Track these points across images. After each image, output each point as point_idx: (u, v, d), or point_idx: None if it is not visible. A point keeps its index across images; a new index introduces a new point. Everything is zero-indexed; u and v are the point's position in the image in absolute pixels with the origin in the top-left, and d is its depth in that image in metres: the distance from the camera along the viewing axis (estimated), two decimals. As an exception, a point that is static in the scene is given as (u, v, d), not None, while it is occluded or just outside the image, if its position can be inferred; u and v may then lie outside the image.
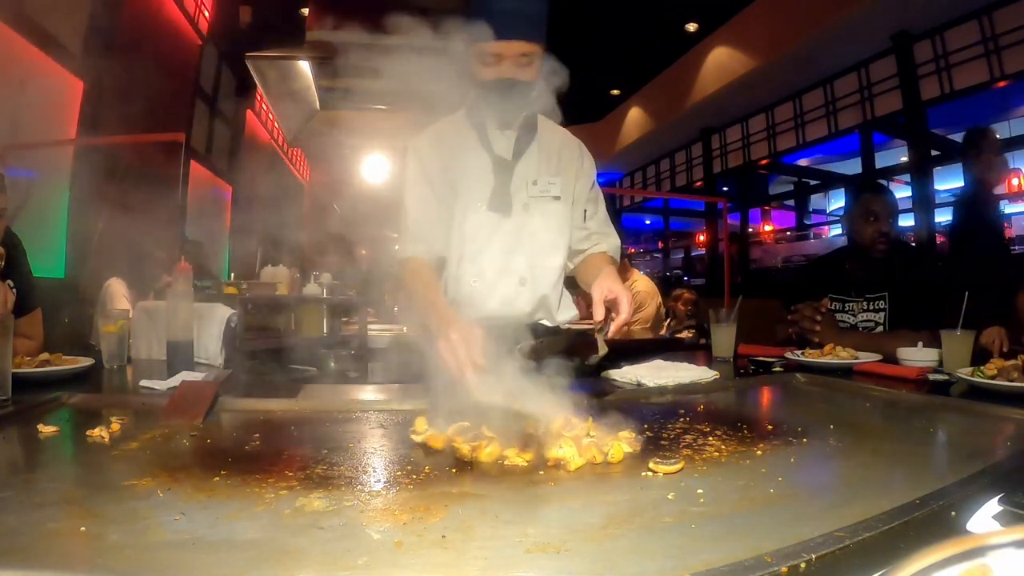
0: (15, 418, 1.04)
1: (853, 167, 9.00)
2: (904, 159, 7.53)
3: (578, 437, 0.86)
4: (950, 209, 7.40)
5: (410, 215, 1.49)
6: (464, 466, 0.82)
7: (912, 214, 6.80)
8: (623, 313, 1.12)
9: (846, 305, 2.12)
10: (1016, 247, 7.04)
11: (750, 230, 11.56)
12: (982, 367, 1.33)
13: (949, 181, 7.43)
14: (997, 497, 0.62)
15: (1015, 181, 7.00)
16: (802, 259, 10.11)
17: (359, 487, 0.74)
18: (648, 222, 15.92)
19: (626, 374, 1.46)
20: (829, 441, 0.94)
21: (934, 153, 7.11)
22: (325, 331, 2.39)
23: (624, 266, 4.02)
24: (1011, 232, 7.34)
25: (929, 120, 6.86)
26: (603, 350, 1.54)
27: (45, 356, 1.45)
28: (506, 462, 0.83)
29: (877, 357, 1.62)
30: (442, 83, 1.39)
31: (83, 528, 0.60)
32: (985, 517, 0.59)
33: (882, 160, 8.11)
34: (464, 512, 0.65)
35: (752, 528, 0.61)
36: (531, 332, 1.48)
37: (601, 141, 11.96)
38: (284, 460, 0.85)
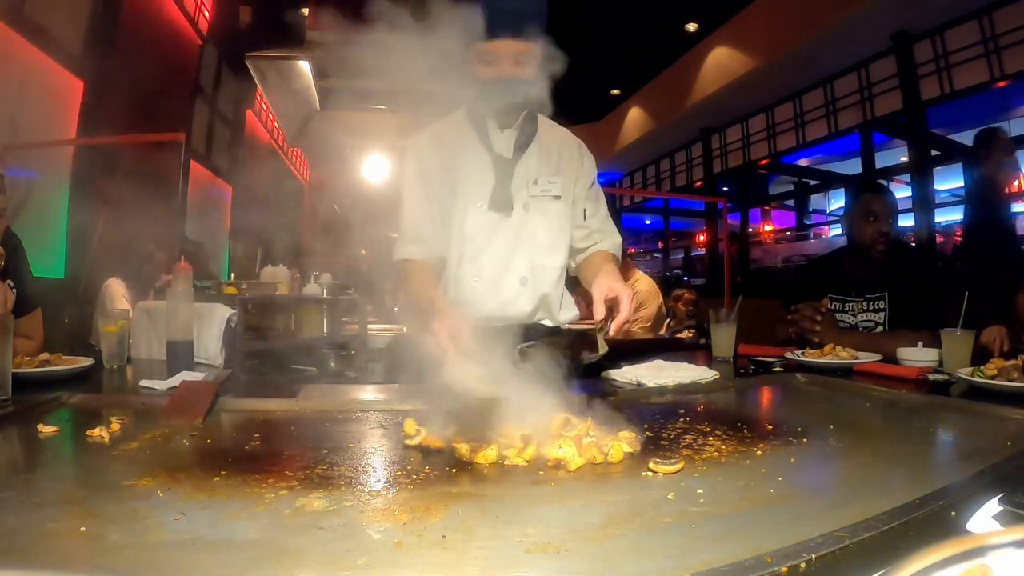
0: (15, 418, 1.04)
1: (853, 167, 9.00)
2: (904, 159, 7.53)
3: (578, 437, 0.86)
4: (950, 209, 7.43)
5: (406, 215, 1.49)
6: (464, 466, 0.82)
7: (912, 214, 6.80)
8: (623, 312, 1.12)
9: (846, 305, 2.12)
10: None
11: (750, 230, 11.56)
12: (982, 367, 1.33)
13: (949, 181, 7.44)
14: (997, 497, 0.62)
15: (1015, 182, 6.99)
16: (802, 259, 10.10)
17: (359, 487, 0.74)
18: (648, 222, 15.92)
19: (626, 374, 1.46)
20: (829, 441, 0.94)
21: (934, 153, 7.11)
22: (325, 331, 2.39)
23: (626, 265, 4.02)
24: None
25: (929, 120, 6.86)
26: (603, 349, 1.54)
27: (45, 356, 1.45)
28: (506, 462, 0.83)
29: (877, 357, 1.62)
30: (442, 82, 1.39)
31: (83, 528, 0.60)
32: (985, 517, 0.59)
33: (882, 160, 8.11)
34: (464, 512, 0.65)
35: (752, 528, 0.61)
36: (532, 332, 1.48)
37: (601, 141, 11.96)
38: (284, 460, 0.85)
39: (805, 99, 8.60)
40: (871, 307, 2.07)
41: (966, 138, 7.27)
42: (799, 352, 1.72)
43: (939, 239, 6.92)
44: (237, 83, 6.86)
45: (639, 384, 1.39)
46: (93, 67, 4.15)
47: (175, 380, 1.30)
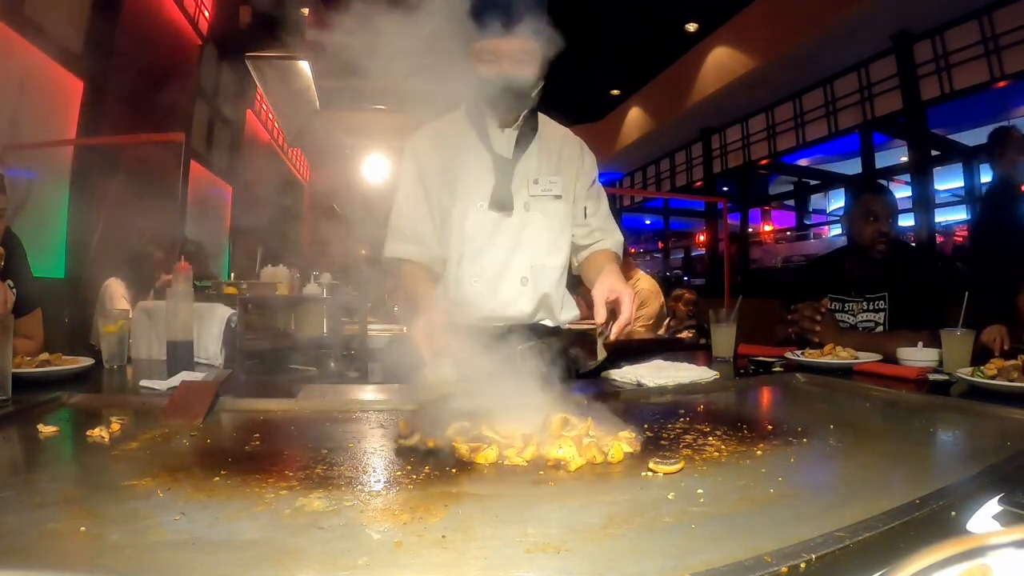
0: (15, 418, 1.04)
1: (853, 167, 9.00)
2: (904, 159, 7.52)
3: (578, 437, 0.86)
4: (950, 209, 7.43)
5: (401, 214, 1.49)
6: (464, 466, 0.82)
7: (912, 214, 6.80)
8: (624, 313, 1.12)
9: (846, 305, 2.12)
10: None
11: (750, 230, 11.55)
12: (982, 367, 1.33)
13: (949, 181, 7.44)
14: (997, 497, 0.62)
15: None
16: (802, 259, 10.09)
17: (359, 487, 0.74)
18: (648, 222, 15.92)
19: (626, 374, 1.46)
20: (829, 441, 0.94)
21: (934, 153, 7.11)
22: (325, 331, 2.39)
23: (627, 263, 4.02)
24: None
25: (929, 120, 6.85)
26: (602, 355, 1.54)
27: (45, 356, 1.45)
28: (506, 462, 0.83)
29: (877, 357, 1.62)
30: (442, 82, 1.39)
31: (83, 528, 0.60)
32: (985, 517, 0.59)
33: (882, 160, 8.10)
34: (464, 512, 0.65)
35: (752, 528, 0.61)
36: (532, 332, 1.48)
37: (601, 141, 11.96)
38: (284, 460, 0.85)
39: (805, 99, 8.60)
40: (871, 307, 2.07)
41: (966, 138, 7.30)
42: (799, 352, 1.72)
43: (939, 239, 6.92)
44: (237, 83, 6.86)
45: (639, 384, 1.39)
46: (93, 67, 4.15)
47: (175, 380, 1.30)
